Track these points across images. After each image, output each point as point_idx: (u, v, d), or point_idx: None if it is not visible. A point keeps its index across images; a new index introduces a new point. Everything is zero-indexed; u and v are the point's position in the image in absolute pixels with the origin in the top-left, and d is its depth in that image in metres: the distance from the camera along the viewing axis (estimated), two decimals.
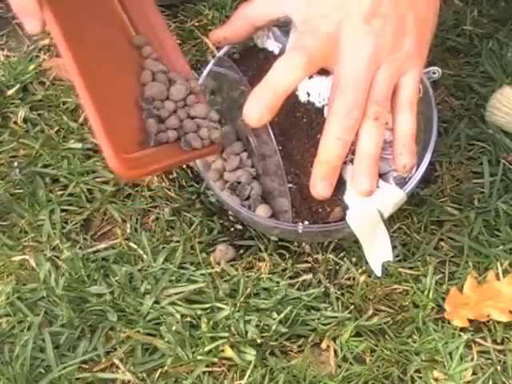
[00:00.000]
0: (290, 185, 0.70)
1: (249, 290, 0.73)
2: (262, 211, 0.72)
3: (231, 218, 0.79)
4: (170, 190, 0.81)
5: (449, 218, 0.78)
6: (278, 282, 0.74)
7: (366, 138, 0.65)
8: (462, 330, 0.72)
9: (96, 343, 0.72)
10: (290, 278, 0.75)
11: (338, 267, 0.76)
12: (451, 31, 0.92)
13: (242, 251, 0.77)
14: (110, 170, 0.77)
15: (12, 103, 0.89)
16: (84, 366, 0.71)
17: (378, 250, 0.72)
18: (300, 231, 0.70)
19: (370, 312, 0.73)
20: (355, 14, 0.64)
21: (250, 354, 0.70)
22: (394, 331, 0.72)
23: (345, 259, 0.76)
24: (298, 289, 0.74)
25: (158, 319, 0.73)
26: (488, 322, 0.72)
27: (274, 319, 0.72)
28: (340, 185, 0.68)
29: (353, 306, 0.73)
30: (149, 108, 0.67)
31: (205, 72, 0.77)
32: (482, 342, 0.71)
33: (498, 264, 0.75)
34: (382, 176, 0.69)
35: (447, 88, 0.88)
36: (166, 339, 0.71)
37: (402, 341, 0.72)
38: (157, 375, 0.70)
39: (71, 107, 0.88)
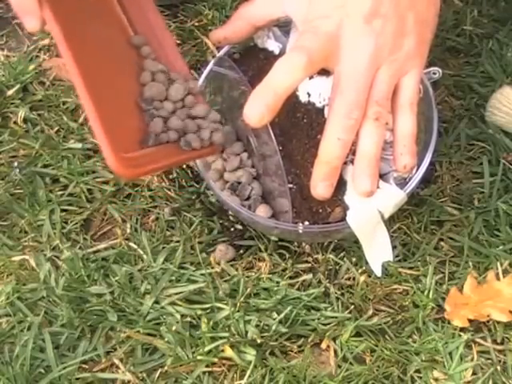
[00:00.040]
0: (291, 185, 0.70)
1: (249, 289, 0.73)
2: (262, 211, 0.72)
3: (231, 218, 0.79)
4: (170, 190, 0.81)
5: (449, 217, 0.78)
6: (278, 282, 0.74)
7: (367, 139, 0.65)
8: (462, 330, 0.72)
9: (96, 343, 0.72)
10: (290, 277, 0.75)
11: (337, 267, 0.76)
12: (451, 31, 0.92)
13: (242, 251, 0.77)
14: (110, 170, 0.77)
15: (12, 103, 0.89)
16: (84, 365, 0.71)
17: (378, 250, 0.72)
18: (300, 231, 0.70)
19: (370, 312, 0.73)
20: (355, 14, 0.64)
21: (250, 354, 0.70)
22: (394, 331, 0.72)
23: (345, 259, 0.76)
24: (298, 289, 0.74)
25: (158, 319, 0.73)
26: (488, 321, 0.72)
27: (274, 319, 0.72)
28: (340, 185, 0.68)
29: (353, 306, 0.73)
30: (149, 109, 0.67)
31: (205, 72, 0.77)
32: (482, 341, 0.71)
33: (498, 264, 0.75)
34: (382, 176, 0.69)
35: (447, 88, 0.88)
36: (166, 339, 0.71)
37: (402, 341, 0.72)
38: (157, 375, 0.70)
39: (71, 107, 0.88)
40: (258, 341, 0.70)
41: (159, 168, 0.71)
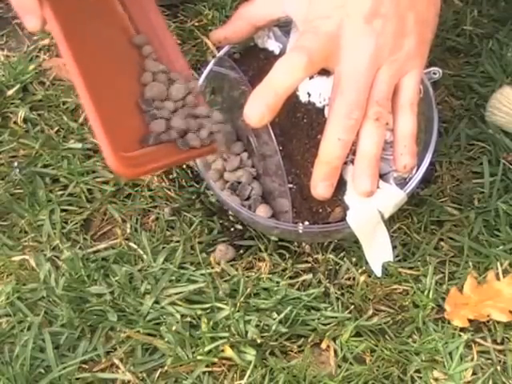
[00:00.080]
0: (291, 185, 0.70)
1: (249, 289, 0.73)
2: (263, 211, 0.72)
3: (231, 218, 0.79)
4: (170, 190, 0.81)
5: (449, 217, 0.78)
6: (278, 282, 0.74)
7: (367, 139, 0.65)
8: (462, 330, 0.72)
9: (96, 343, 0.72)
10: (290, 278, 0.75)
11: (338, 267, 0.76)
12: (451, 31, 0.92)
13: (242, 251, 0.77)
14: (110, 170, 0.77)
15: (12, 103, 0.89)
16: (84, 366, 0.71)
17: (378, 250, 0.72)
18: (300, 231, 0.70)
19: (370, 312, 0.73)
20: (356, 14, 0.64)
21: (250, 354, 0.70)
22: (394, 331, 0.72)
23: (345, 259, 0.76)
24: (298, 289, 0.74)
25: (158, 319, 0.73)
26: (488, 321, 0.72)
27: (274, 319, 0.72)
28: (340, 185, 0.68)
29: (353, 306, 0.73)
30: (150, 109, 0.67)
31: (205, 72, 0.77)
32: (482, 341, 0.71)
33: (498, 264, 0.75)
34: (382, 176, 0.69)
35: (447, 88, 0.88)
36: (166, 339, 0.71)
37: (402, 341, 0.72)
38: (157, 375, 0.70)
39: (71, 107, 0.88)
40: (258, 341, 0.70)
41: (159, 167, 0.70)
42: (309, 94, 0.71)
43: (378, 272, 0.73)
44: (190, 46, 0.92)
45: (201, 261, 0.75)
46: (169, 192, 0.81)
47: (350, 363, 0.70)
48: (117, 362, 0.71)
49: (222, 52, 0.77)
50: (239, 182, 0.73)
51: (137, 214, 0.80)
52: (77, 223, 0.80)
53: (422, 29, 0.67)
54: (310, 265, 0.76)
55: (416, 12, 0.66)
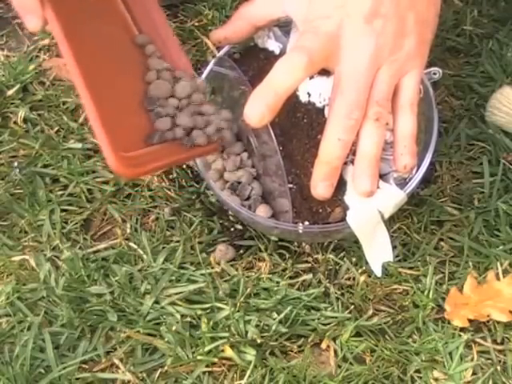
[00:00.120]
0: (291, 185, 0.70)
1: (249, 289, 0.73)
2: (263, 211, 0.72)
3: (231, 218, 0.79)
4: (170, 190, 0.81)
5: (449, 217, 0.78)
6: (278, 282, 0.74)
7: (367, 139, 0.65)
8: (462, 330, 0.72)
9: (96, 343, 0.72)
10: (290, 278, 0.75)
11: (338, 267, 0.76)
12: (451, 31, 0.92)
13: (242, 251, 0.77)
14: (110, 170, 0.77)
15: (12, 103, 0.88)
16: (84, 366, 0.71)
17: (378, 250, 0.72)
18: (300, 231, 0.70)
19: (370, 312, 0.73)
20: (356, 14, 0.64)
21: (250, 354, 0.70)
22: (394, 331, 0.72)
23: (345, 259, 0.76)
24: (298, 289, 0.74)
25: (158, 319, 0.73)
26: (488, 322, 0.72)
27: (274, 319, 0.72)
28: (340, 185, 0.68)
29: (353, 306, 0.73)
30: (154, 107, 0.66)
31: (205, 72, 0.77)
32: (482, 341, 0.71)
33: (498, 264, 0.75)
34: (382, 177, 0.69)
35: (447, 88, 0.88)
36: (166, 339, 0.71)
37: (402, 341, 0.72)
38: (157, 375, 0.70)
39: (71, 107, 0.88)
40: (258, 341, 0.70)
41: (160, 167, 0.70)
42: (309, 94, 0.71)
43: (378, 272, 0.73)
44: (190, 46, 0.92)
45: (201, 261, 0.75)
46: (169, 192, 0.81)
47: (350, 363, 0.70)
48: (117, 362, 0.71)
49: (222, 52, 0.77)
50: (239, 182, 0.73)
51: (137, 214, 0.80)
52: (77, 223, 0.80)
53: (422, 29, 0.67)
54: (310, 265, 0.76)
55: (416, 12, 0.66)
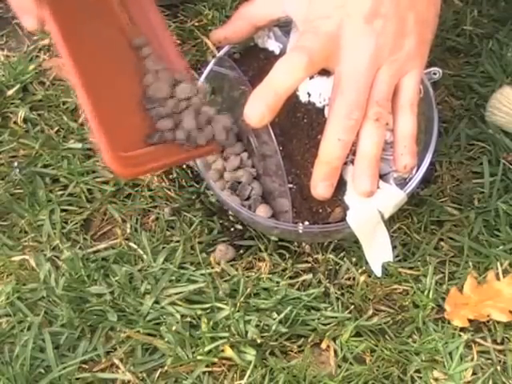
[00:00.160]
0: (291, 185, 0.70)
1: (249, 289, 0.73)
2: (263, 211, 0.72)
3: (231, 217, 0.79)
4: (170, 190, 0.81)
5: (449, 217, 0.78)
6: (278, 282, 0.74)
7: (367, 139, 0.65)
8: (462, 330, 0.72)
9: (96, 343, 0.72)
10: (290, 278, 0.75)
11: (338, 267, 0.76)
12: (451, 31, 0.92)
13: (242, 251, 0.77)
14: (110, 170, 0.77)
15: (12, 103, 0.88)
16: (84, 366, 0.71)
17: (378, 250, 0.72)
18: (300, 231, 0.70)
19: (370, 312, 0.73)
20: (356, 14, 0.64)
21: (250, 354, 0.70)
22: (394, 331, 0.72)
23: (345, 259, 0.76)
24: (298, 289, 0.74)
25: (158, 319, 0.73)
26: (488, 321, 0.72)
27: (274, 319, 0.72)
28: (340, 185, 0.68)
29: (353, 306, 0.73)
30: (153, 107, 0.66)
31: (205, 72, 0.77)
32: (482, 341, 0.71)
33: (498, 264, 0.75)
34: (382, 177, 0.69)
35: (447, 88, 0.88)
36: (166, 339, 0.71)
37: (402, 341, 0.72)
38: (157, 375, 0.70)
39: (71, 107, 0.88)
40: (258, 341, 0.70)
41: (159, 167, 0.70)
42: (309, 94, 0.71)
43: (378, 272, 0.73)
44: (190, 46, 0.92)
45: (201, 261, 0.75)
46: (169, 192, 0.81)
47: (350, 363, 0.70)
48: (117, 362, 0.71)
49: (222, 52, 0.77)
50: (239, 182, 0.73)
51: (137, 214, 0.80)
52: (77, 223, 0.80)
53: (422, 29, 0.67)
54: (310, 265, 0.76)
55: (416, 12, 0.66)
